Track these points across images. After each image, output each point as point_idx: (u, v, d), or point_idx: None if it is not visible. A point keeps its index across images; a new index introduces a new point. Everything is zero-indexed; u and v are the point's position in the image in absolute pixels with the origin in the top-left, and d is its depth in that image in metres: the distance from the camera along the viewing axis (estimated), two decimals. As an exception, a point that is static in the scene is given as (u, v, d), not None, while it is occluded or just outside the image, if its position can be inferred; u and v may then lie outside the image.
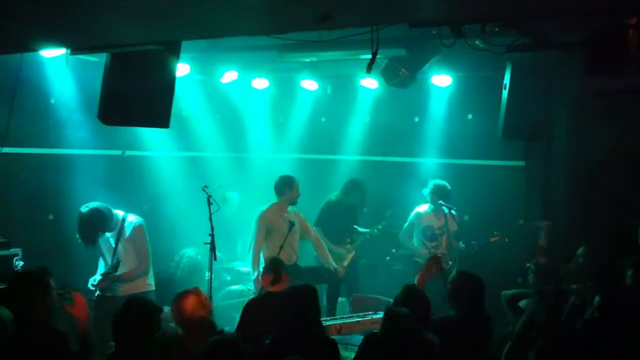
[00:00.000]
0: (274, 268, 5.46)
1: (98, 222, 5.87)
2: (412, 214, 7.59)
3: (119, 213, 6.06)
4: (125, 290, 6.01)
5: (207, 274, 6.24)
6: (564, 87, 6.94)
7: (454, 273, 4.81)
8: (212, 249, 5.92)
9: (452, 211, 7.30)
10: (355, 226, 7.79)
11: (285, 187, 6.91)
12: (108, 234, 6.05)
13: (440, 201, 7.32)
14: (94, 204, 5.86)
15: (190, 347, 3.92)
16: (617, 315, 4.14)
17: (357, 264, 7.84)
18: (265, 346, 3.99)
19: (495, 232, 7.25)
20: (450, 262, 7.26)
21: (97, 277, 6.04)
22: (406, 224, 7.60)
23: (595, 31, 4.08)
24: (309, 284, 4.56)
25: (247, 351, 3.62)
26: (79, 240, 5.93)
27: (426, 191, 7.44)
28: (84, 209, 5.84)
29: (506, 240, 7.21)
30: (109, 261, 6.10)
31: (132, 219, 6.11)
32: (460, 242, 7.35)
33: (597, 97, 6.00)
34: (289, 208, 6.95)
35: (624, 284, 4.86)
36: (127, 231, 6.04)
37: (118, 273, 5.90)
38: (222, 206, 7.97)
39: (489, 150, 7.85)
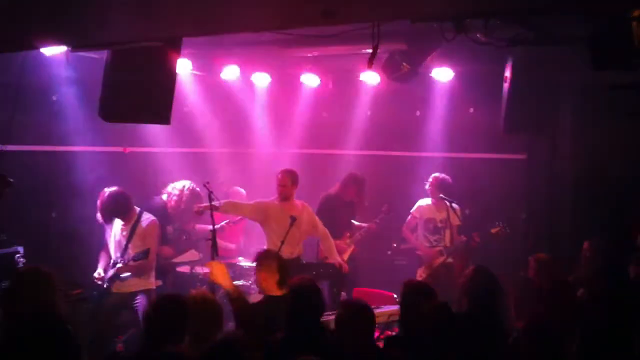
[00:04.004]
0: (280, 270, 4.79)
1: (122, 202, 6.09)
2: (414, 206, 7.59)
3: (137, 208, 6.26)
4: (130, 286, 6.07)
5: None
6: (567, 80, 6.93)
7: (470, 269, 4.72)
8: (214, 244, 5.92)
9: (453, 204, 7.29)
10: (353, 220, 7.80)
11: None
12: (119, 225, 6.12)
13: (441, 195, 7.33)
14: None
15: None
16: (622, 311, 4.13)
17: (357, 258, 7.84)
18: (273, 344, 3.97)
19: (497, 223, 7.24)
20: (447, 257, 7.27)
21: (100, 272, 6.10)
22: (409, 217, 7.60)
23: (600, 25, 4.06)
24: (309, 279, 4.53)
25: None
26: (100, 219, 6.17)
27: (427, 184, 7.44)
28: (111, 188, 6.10)
29: (507, 231, 7.20)
30: (116, 254, 6.15)
31: (149, 215, 6.21)
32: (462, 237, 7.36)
33: (604, 91, 5.98)
34: (297, 201, 6.91)
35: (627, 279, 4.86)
36: (144, 225, 6.17)
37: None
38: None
39: (491, 144, 7.84)
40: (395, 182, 8.33)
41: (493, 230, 7.23)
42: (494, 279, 4.44)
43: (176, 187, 6.97)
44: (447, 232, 7.40)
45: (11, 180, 5.03)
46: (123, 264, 5.99)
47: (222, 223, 7.30)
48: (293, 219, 6.49)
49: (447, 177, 7.38)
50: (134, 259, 5.91)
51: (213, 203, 6.04)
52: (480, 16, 4.61)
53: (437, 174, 7.42)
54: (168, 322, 3.57)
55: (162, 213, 6.71)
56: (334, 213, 7.56)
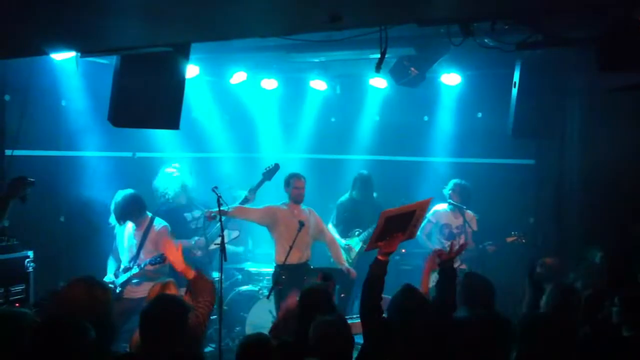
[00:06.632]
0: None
1: (135, 204, 6.13)
2: (430, 211, 7.54)
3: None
4: (141, 291, 6.08)
5: (217, 274, 6.27)
6: (575, 84, 6.90)
7: (461, 276, 4.75)
8: (222, 249, 5.92)
9: (468, 211, 7.26)
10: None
11: (284, 185, 6.90)
12: (131, 230, 6.14)
13: (450, 200, 7.31)
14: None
15: None
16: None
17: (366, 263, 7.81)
18: (287, 346, 3.97)
19: (513, 232, 7.21)
20: (460, 263, 7.21)
21: (111, 277, 6.13)
22: (424, 222, 7.53)
23: (607, 27, 4.04)
24: (320, 284, 4.53)
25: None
26: (112, 222, 6.18)
27: (446, 190, 7.41)
28: (125, 190, 6.18)
29: (523, 241, 7.17)
30: (127, 257, 6.17)
31: (161, 220, 6.32)
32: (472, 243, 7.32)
33: (610, 94, 5.95)
34: (303, 207, 6.91)
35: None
36: (156, 230, 6.20)
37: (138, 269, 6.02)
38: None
39: (499, 149, 7.82)
40: (403, 187, 8.30)
41: (508, 239, 7.22)
42: (487, 283, 4.45)
43: None
44: (462, 238, 7.33)
45: (32, 180, 5.02)
46: (139, 268, 6.00)
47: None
48: (302, 224, 6.52)
49: (466, 183, 7.35)
50: (151, 263, 5.92)
51: (222, 208, 6.05)
52: (488, 19, 4.60)
53: (458, 181, 7.38)
54: (164, 322, 3.55)
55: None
56: (351, 213, 7.65)
